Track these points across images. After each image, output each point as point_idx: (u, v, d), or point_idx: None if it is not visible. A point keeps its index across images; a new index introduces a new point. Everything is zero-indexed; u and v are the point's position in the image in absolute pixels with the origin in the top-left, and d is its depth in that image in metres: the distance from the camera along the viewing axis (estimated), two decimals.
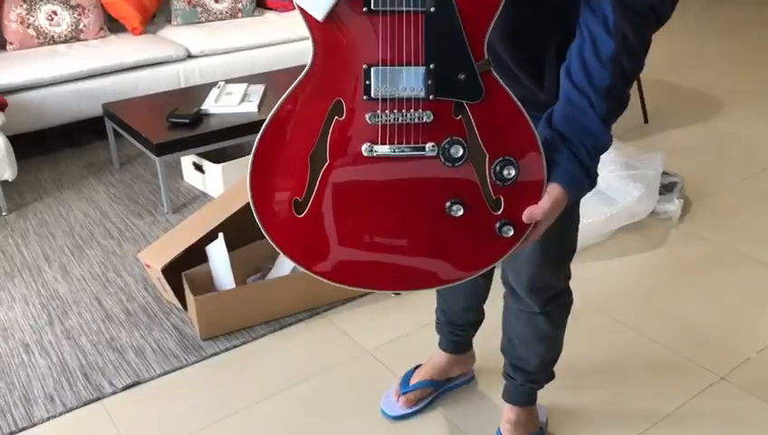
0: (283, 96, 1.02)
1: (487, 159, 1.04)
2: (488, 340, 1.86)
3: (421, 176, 1.04)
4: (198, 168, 3.07)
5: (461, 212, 1.06)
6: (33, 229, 2.86)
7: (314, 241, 1.08)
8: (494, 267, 1.15)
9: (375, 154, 1.03)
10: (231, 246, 2.19)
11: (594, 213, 2.54)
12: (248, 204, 1.08)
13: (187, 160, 3.14)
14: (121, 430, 1.84)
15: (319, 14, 0.96)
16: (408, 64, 0.98)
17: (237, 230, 2.22)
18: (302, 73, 1.00)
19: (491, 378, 1.89)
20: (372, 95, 1.00)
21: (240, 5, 4.17)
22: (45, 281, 2.49)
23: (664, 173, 2.77)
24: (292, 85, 1.01)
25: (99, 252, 2.66)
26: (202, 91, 3.31)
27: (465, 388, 1.87)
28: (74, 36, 3.75)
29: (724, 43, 4.97)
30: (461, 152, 1.03)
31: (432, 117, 1.01)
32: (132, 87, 3.53)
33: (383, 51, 0.98)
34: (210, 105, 3.08)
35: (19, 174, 3.04)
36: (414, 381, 1.84)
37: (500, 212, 1.06)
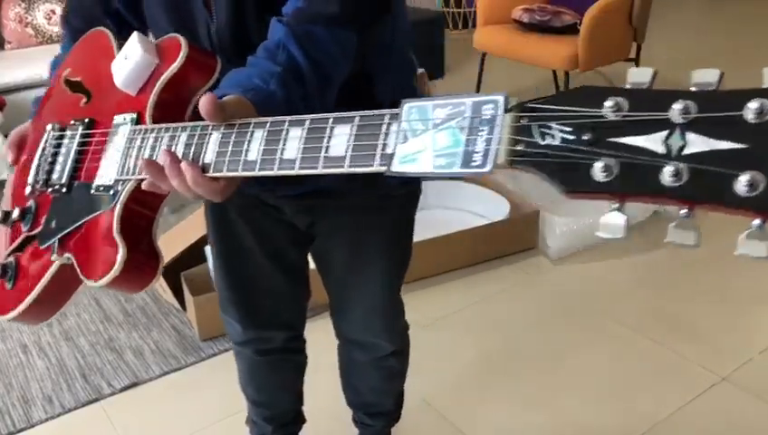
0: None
1: (18, 253, 0.94)
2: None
3: (23, 183, 1.00)
4: None
5: None
6: None
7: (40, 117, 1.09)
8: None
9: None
10: None
11: (595, 214, 2.54)
12: None
13: None
14: (120, 430, 1.83)
15: (112, 65, 0.92)
16: (71, 170, 0.93)
17: None
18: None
19: None
20: (65, 132, 0.98)
21: None
22: None
23: None
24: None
25: None
26: None
27: None
28: None
29: (724, 42, 4.96)
30: (17, 214, 0.95)
31: (41, 187, 0.96)
32: None
33: (91, 142, 0.93)
34: None
35: None
36: None
37: None
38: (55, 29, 3.69)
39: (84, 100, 0.96)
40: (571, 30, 3.42)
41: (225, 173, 0.71)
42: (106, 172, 0.85)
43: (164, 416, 1.88)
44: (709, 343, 2.05)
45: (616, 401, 1.85)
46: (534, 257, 2.49)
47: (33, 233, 0.92)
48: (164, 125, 0.80)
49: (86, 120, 0.93)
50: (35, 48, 3.65)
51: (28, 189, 0.96)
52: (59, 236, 0.87)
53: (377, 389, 1.52)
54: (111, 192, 0.83)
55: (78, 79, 0.99)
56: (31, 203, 0.94)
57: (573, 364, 1.98)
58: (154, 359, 2.07)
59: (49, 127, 0.98)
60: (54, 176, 0.92)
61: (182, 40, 0.85)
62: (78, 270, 0.84)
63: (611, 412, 1.81)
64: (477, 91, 3.80)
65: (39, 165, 0.96)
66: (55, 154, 0.94)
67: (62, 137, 0.95)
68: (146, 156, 0.79)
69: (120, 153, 0.84)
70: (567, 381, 1.92)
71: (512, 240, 2.50)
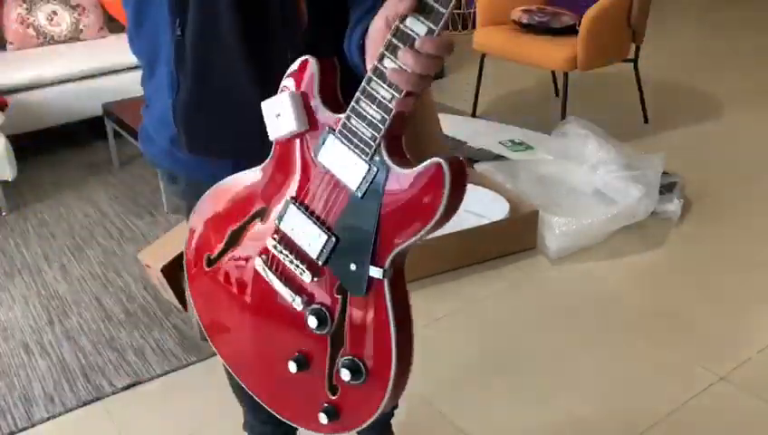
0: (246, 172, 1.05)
1: (343, 349, 0.99)
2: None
3: (284, 314, 1.03)
4: None
5: (294, 370, 1.02)
6: (34, 229, 2.86)
7: (209, 296, 1.12)
8: None
9: (257, 268, 1.04)
10: None
11: (594, 214, 2.55)
12: None
13: None
14: (121, 430, 1.84)
15: (271, 134, 0.97)
16: (321, 224, 0.96)
17: None
18: (263, 164, 1.02)
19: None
20: (280, 226, 1.00)
21: None
22: (45, 281, 2.49)
23: (664, 173, 2.77)
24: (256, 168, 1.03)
25: (99, 252, 2.66)
26: None
27: None
28: (74, 36, 3.75)
29: (724, 44, 4.97)
30: (316, 324, 0.98)
31: (311, 278, 0.98)
32: (132, 87, 3.51)
33: (309, 197, 0.97)
34: None
35: (19, 174, 3.04)
36: None
37: (333, 397, 1.01)
38: (56, 30, 3.70)
39: (256, 216, 1.02)
40: (570, 31, 3.42)
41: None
42: (356, 170, 0.89)
43: (165, 415, 1.88)
44: (708, 342, 2.06)
45: (616, 400, 1.86)
46: (534, 257, 2.50)
47: (336, 320, 0.96)
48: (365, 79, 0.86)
49: (283, 201, 0.98)
50: (36, 49, 3.65)
51: (300, 305, 0.99)
52: (369, 267, 0.91)
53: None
54: (378, 163, 0.87)
55: (230, 230, 1.05)
56: (310, 310, 0.98)
57: (573, 364, 1.99)
58: (155, 358, 2.08)
59: (260, 263, 1.02)
60: (310, 251, 0.96)
61: (309, 58, 0.93)
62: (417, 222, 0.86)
63: (611, 412, 1.82)
64: (477, 92, 3.80)
65: (290, 292, 1.00)
66: (290, 251, 0.98)
67: (281, 241, 0.99)
68: (372, 103, 0.85)
69: (349, 146, 0.89)
70: (567, 380, 1.93)
71: (511, 240, 2.51)
